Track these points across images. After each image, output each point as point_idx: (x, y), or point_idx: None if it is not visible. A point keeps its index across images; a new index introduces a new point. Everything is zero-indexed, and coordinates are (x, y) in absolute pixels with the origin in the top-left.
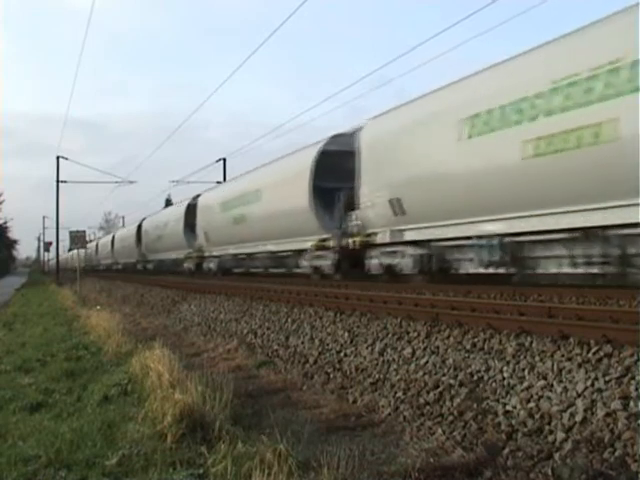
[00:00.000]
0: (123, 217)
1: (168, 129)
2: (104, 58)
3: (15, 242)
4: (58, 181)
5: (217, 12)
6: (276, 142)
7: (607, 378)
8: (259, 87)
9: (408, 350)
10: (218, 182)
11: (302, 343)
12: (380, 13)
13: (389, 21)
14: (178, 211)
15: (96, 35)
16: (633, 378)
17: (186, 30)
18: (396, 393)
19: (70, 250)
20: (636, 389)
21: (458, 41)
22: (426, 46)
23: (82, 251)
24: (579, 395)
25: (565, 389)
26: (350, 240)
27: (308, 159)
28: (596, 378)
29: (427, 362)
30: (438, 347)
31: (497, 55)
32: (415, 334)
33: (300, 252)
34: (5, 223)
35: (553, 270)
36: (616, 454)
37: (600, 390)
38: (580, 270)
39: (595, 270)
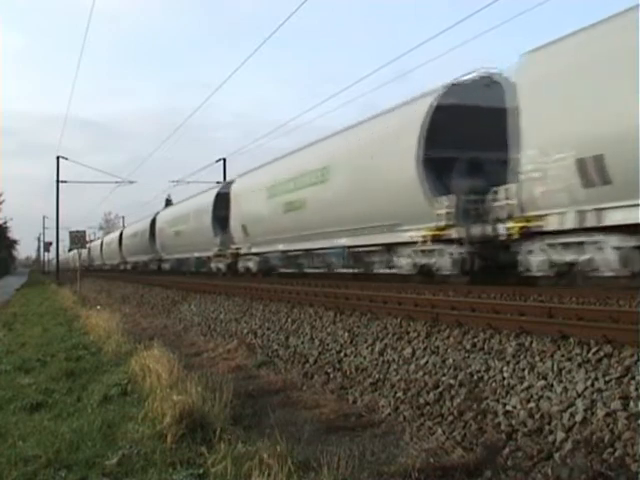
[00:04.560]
0: (123, 217)
1: (174, 128)
2: (106, 57)
3: (15, 242)
4: (58, 181)
5: (219, 12)
6: (280, 140)
7: (607, 378)
8: (263, 86)
9: (408, 350)
10: (218, 182)
11: (302, 343)
12: (383, 11)
13: (392, 19)
14: (204, 202)
15: (98, 34)
16: (633, 378)
17: (188, 29)
18: (396, 393)
19: (70, 250)
20: (636, 389)
21: (467, 37)
22: (435, 42)
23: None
24: (579, 395)
25: (565, 389)
26: (501, 227)
27: (415, 116)
28: (596, 378)
29: (427, 362)
30: (438, 347)
31: (502, 52)
32: (415, 334)
33: (393, 246)
34: (5, 223)
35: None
36: (616, 454)
37: (600, 390)
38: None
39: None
